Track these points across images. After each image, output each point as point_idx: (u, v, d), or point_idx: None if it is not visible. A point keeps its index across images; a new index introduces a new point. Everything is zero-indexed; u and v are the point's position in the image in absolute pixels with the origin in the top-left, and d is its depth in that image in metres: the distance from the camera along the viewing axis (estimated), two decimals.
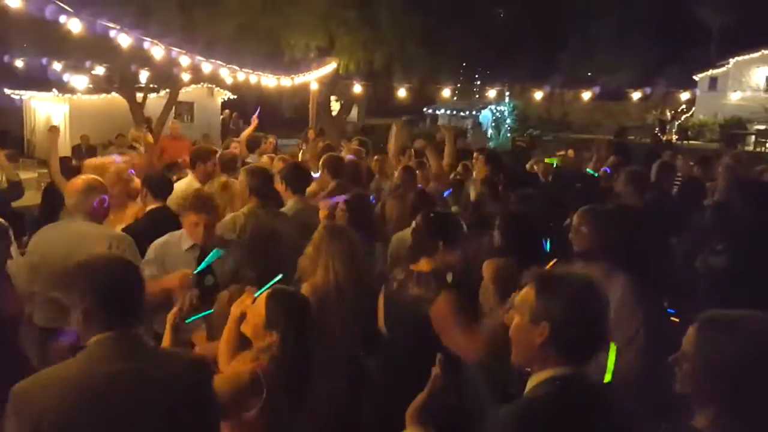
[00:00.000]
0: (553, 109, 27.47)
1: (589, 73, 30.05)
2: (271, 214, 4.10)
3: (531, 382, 1.79)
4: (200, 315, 2.87)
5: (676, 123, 25.43)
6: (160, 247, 3.55)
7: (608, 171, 6.79)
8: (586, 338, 1.75)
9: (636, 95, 18.59)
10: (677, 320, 3.72)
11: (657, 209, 5.71)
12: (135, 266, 2.17)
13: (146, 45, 5.87)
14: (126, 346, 1.93)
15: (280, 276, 2.69)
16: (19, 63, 10.81)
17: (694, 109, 27.80)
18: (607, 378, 1.98)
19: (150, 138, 6.96)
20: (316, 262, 3.12)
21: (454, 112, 26.20)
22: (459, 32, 15.14)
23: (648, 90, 18.77)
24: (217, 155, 5.74)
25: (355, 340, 3.12)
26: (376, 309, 3.05)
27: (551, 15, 24.01)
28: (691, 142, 23.38)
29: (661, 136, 22.04)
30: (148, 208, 4.26)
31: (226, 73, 8.34)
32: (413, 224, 3.16)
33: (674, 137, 23.70)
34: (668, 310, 4.17)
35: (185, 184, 5.27)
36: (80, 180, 3.57)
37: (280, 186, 4.54)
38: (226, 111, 22.60)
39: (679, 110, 26.89)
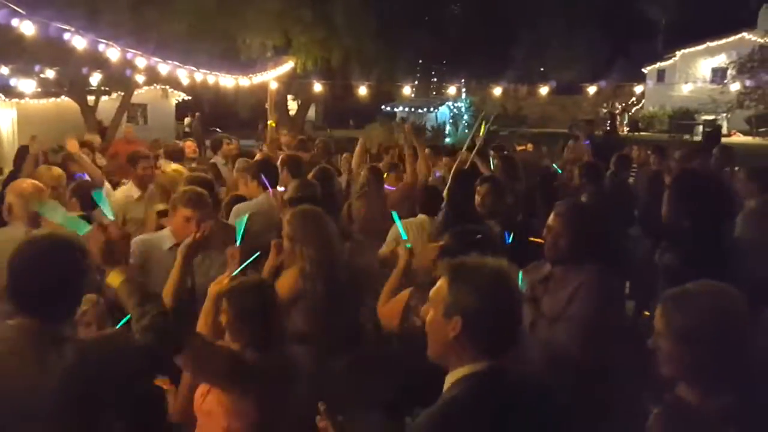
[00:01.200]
0: (509, 105, 27.86)
1: (542, 69, 30.65)
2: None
3: (447, 381, 1.71)
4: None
5: (627, 115, 26.20)
6: (142, 244, 3.39)
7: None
8: (501, 330, 1.69)
9: (589, 89, 19.01)
10: (647, 314, 3.83)
11: (616, 201, 5.89)
12: (67, 250, 1.97)
13: (101, 47, 5.71)
14: (27, 338, 1.85)
15: (258, 254, 2.68)
16: None
17: (643, 101, 28.64)
18: None
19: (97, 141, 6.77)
20: (293, 251, 3.10)
21: (413, 110, 26.28)
22: (415, 30, 15.22)
23: (599, 84, 19.21)
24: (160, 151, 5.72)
25: (341, 329, 3.10)
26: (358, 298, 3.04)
27: (503, 11, 24.32)
28: (641, 133, 24.07)
29: (613, 129, 22.59)
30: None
31: (183, 74, 8.17)
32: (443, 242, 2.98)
33: (625, 129, 24.40)
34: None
35: (123, 193, 5.14)
36: (24, 183, 3.47)
37: (250, 182, 4.54)
38: (188, 118, 22.30)
39: (629, 103, 27.67)
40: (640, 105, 28.65)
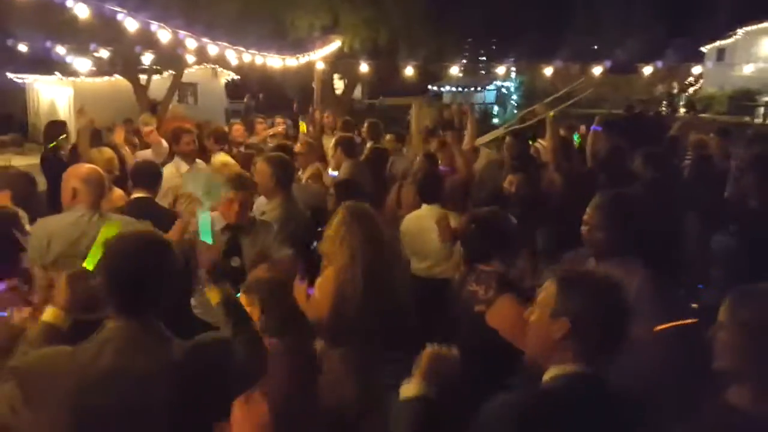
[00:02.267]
0: (560, 84, 27.18)
1: (596, 47, 29.75)
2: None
3: (548, 374, 1.78)
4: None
5: (684, 96, 25.23)
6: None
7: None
8: (605, 338, 1.74)
9: (644, 69, 18.35)
10: (695, 306, 3.69)
11: (668, 187, 5.65)
12: (163, 248, 2.01)
13: (153, 28, 5.80)
14: (137, 341, 1.88)
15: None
16: (22, 47, 10.71)
17: (701, 81, 27.51)
18: None
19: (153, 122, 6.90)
20: (339, 245, 3.08)
21: (460, 89, 25.99)
22: (463, 9, 14.92)
23: (655, 64, 18.52)
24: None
25: (383, 327, 3.09)
26: (402, 296, 3.03)
27: None
28: (700, 115, 23.17)
29: (669, 110, 21.85)
30: (132, 197, 4.24)
31: (232, 55, 8.24)
32: (467, 228, 3.05)
33: (682, 111, 23.53)
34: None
35: (169, 169, 5.28)
36: (84, 167, 3.54)
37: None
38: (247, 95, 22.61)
39: (686, 83, 26.64)
40: (698, 85, 27.54)
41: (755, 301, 1.74)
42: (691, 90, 26.93)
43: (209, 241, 2.82)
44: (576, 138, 7.90)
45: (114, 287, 1.91)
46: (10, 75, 17.63)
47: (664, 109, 22.67)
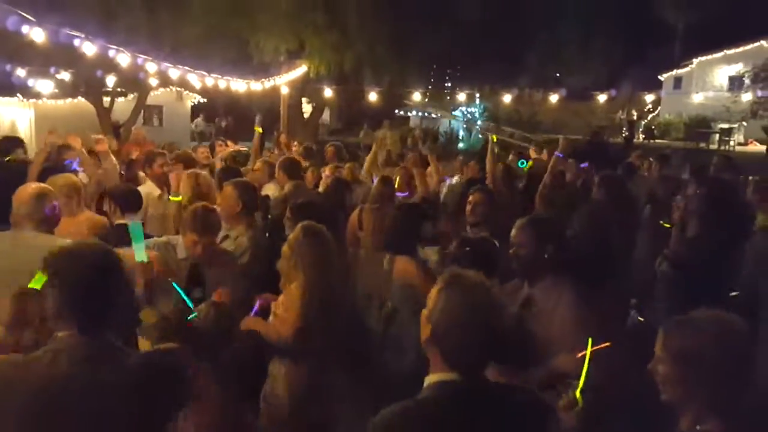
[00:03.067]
0: (523, 110, 27.72)
1: (557, 74, 30.49)
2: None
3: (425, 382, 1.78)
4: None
5: (643, 122, 25.96)
6: (162, 247, 3.51)
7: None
8: (465, 345, 1.71)
9: (603, 96, 18.90)
10: (642, 319, 3.81)
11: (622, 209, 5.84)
12: (117, 261, 2.01)
13: (111, 53, 5.78)
14: (90, 350, 1.87)
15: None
16: None
17: (660, 108, 28.38)
18: (578, 394, 1.96)
19: (113, 144, 6.85)
20: (293, 264, 3.13)
21: (426, 114, 26.33)
22: (427, 35, 15.20)
23: (614, 91, 19.11)
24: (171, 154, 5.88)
25: (334, 347, 3.13)
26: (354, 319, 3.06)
27: (517, 16, 24.26)
28: (657, 141, 23.85)
29: (631, 137, 22.46)
30: (117, 222, 4.18)
31: (194, 78, 8.24)
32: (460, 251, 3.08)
33: (641, 137, 24.21)
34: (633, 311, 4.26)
35: (143, 190, 5.22)
36: (30, 188, 3.47)
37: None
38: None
39: (645, 110, 27.44)
40: (656, 112, 28.40)
41: (686, 331, 1.75)
42: (649, 117, 27.73)
43: (143, 257, 2.79)
44: (521, 164, 8.12)
45: (69, 301, 1.89)
46: None
47: (624, 135, 23.27)
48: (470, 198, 4.35)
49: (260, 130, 7.19)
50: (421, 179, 5.62)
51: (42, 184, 3.59)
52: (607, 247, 3.33)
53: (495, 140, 5.88)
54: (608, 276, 3.22)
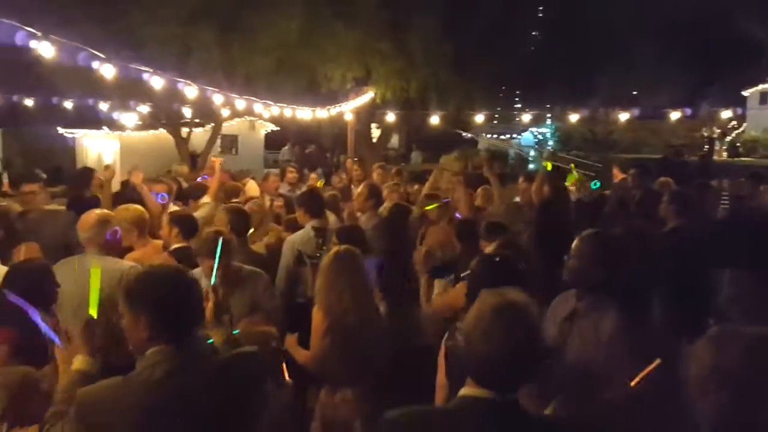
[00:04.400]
0: (597, 129, 27.01)
1: (634, 92, 29.56)
2: None
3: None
4: None
5: (726, 140, 24.75)
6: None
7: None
8: (495, 365, 1.71)
9: (680, 114, 18.12)
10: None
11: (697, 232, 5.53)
12: (194, 279, 2.22)
13: (180, 85, 6.10)
14: (182, 359, 2.03)
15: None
16: (68, 104, 11.35)
17: (745, 125, 26.99)
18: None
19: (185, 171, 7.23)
20: (326, 288, 3.16)
21: (494, 136, 26.12)
22: (493, 57, 15.13)
23: (692, 108, 18.30)
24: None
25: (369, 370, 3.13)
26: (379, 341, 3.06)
27: (588, 34, 23.80)
28: (742, 159, 22.65)
29: (709, 155, 21.42)
30: (173, 246, 4.38)
31: (260, 108, 8.56)
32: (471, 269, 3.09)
33: (724, 154, 23.07)
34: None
35: (202, 213, 5.49)
36: (93, 214, 3.70)
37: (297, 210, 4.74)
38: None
39: (729, 126, 26.16)
40: (741, 129, 26.99)
41: (726, 346, 1.61)
42: (734, 134, 26.41)
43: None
44: (594, 185, 7.93)
45: (156, 317, 2.05)
46: (60, 130, 18.56)
47: (704, 152, 22.23)
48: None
49: (321, 183, 7.56)
50: (468, 200, 5.65)
51: (105, 211, 3.82)
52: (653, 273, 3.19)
53: (549, 168, 5.88)
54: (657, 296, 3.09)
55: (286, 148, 24.57)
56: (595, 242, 2.72)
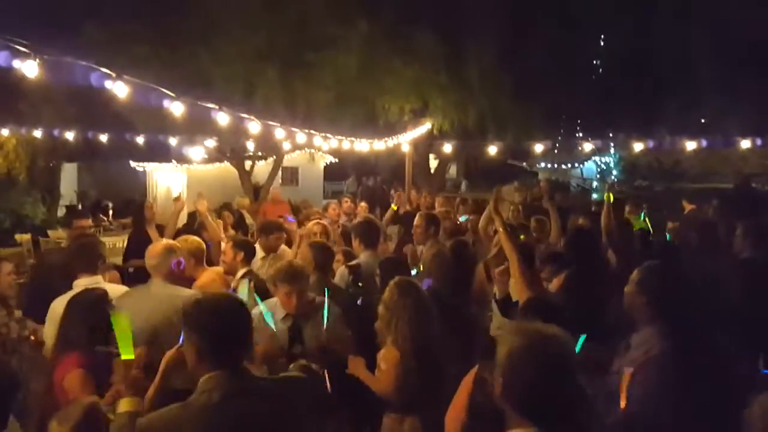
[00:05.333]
0: (663, 158, 26.19)
1: (703, 120, 28.55)
2: None
3: None
4: None
5: None
6: (256, 319, 3.76)
7: None
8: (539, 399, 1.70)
9: (751, 142, 17.39)
10: None
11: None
12: (244, 307, 2.36)
13: (245, 121, 6.34)
14: (237, 383, 2.14)
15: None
16: (140, 139, 11.94)
17: None
18: None
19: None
20: (389, 321, 3.17)
21: (555, 166, 25.71)
22: (552, 86, 14.99)
23: (759, 140, 17.55)
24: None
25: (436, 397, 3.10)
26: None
27: (652, 58, 23.24)
28: None
29: None
30: (241, 272, 4.56)
31: (320, 141, 8.77)
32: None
33: None
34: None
35: None
36: (160, 243, 3.87)
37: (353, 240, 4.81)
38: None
39: None
40: None
41: None
42: None
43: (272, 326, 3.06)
44: (641, 217, 7.72)
45: (206, 342, 2.18)
46: (132, 163, 19.46)
47: None
48: None
49: (395, 207, 7.64)
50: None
51: (171, 241, 3.99)
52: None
53: (611, 200, 5.79)
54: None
55: (350, 180, 24.97)
56: (645, 273, 2.68)
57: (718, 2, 23.66)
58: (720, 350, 2.86)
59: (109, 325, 3.33)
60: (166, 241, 4.10)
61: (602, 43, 23.68)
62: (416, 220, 6.16)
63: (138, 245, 5.23)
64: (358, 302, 4.14)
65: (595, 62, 22.61)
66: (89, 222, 6.17)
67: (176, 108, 4.96)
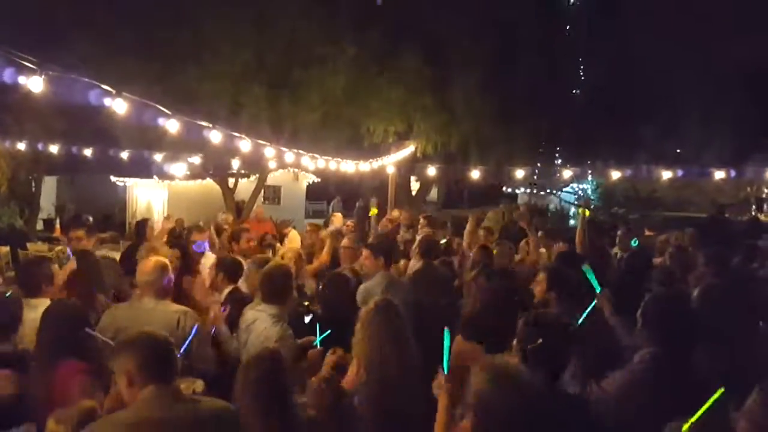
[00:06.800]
0: (640, 186, 26.69)
1: (678, 150, 29.19)
2: None
3: None
4: None
5: None
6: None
7: None
8: None
9: (726, 173, 17.84)
10: None
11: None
12: (167, 338, 2.59)
13: (234, 139, 6.41)
14: (166, 398, 2.36)
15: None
16: (124, 155, 11.91)
17: None
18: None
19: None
20: (359, 340, 3.20)
21: (534, 191, 26.06)
22: (534, 113, 15.32)
23: (737, 169, 18.02)
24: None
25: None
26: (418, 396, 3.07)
27: (631, 88, 23.82)
28: None
29: (759, 214, 20.97)
30: (226, 290, 4.58)
31: (307, 161, 8.86)
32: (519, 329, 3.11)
33: None
34: None
35: None
36: (153, 260, 3.90)
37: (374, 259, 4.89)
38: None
39: None
40: None
41: None
42: None
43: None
44: (634, 242, 7.90)
45: (145, 362, 2.41)
46: (113, 178, 19.33)
47: (753, 213, 21.77)
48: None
49: (375, 210, 7.72)
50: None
51: (163, 258, 4.02)
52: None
53: (587, 215, 6.02)
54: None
55: (336, 201, 24.95)
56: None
57: (695, 35, 24.43)
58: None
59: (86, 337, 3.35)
60: (157, 258, 4.12)
61: (581, 73, 24.25)
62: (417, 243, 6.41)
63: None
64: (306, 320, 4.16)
65: (574, 91, 23.10)
66: (83, 232, 6.13)
67: (171, 125, 5.02)
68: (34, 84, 3.45)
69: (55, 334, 3.16)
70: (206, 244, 6.42)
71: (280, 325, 3.74)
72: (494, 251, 6.01)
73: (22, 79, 3.43)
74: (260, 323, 3.77)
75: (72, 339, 3.13)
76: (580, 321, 3.36)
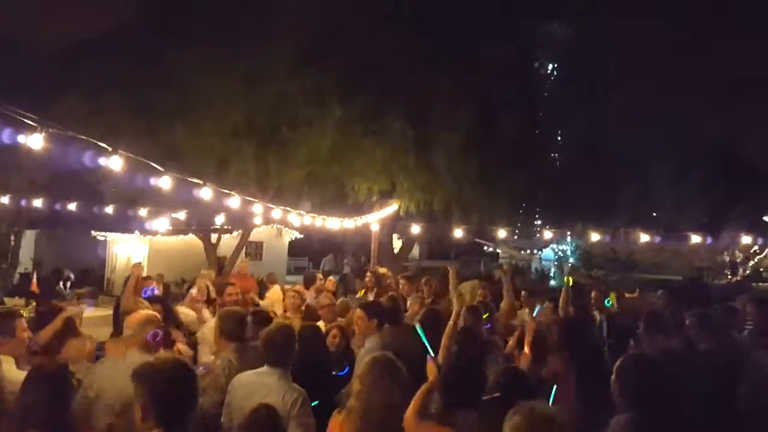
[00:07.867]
0: (619, 248, 27.06)
1: (654, 214, 29.81)
2: None
3: None
4: None
5: (750, 264, 24.65)
6: None
7: None
8: None
9: (702, 238, 18.24)
10: None
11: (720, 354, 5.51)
12: (190, 371, 2.51)
13: (225, 197, 6.49)
14: None
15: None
16: (108, 210, 11.86)
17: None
18: None
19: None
20: (355, 394, 3.22)
21: (515, 250, 26.31)
22: (515, 174, 15.67)
23: (713, 234, 18.45)
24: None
25: None
26: None
27: (609, 153, 24.52)
28: (764, 284, 22.43)
29: (733, 278, 21.32)
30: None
31: (294, 218, 8.94)
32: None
33: (746, 279, 22.95)
34: None
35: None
36: (140, 313, 3.88)
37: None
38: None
39: (751, 251, 26.10)
40: (764, 254, 26.93)
41: None
42: (756, 258, 26.32)
43: None
44: (607, 302, 8.02)
45: (157, 404, 2.34)
46: (93, 233, 19.16)
47: (728, 277, 22.14)
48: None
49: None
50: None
51: (150, 312, 4.00)
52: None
53: (571, 284, 6.16)
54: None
55: (328, 258, 24.86)
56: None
57: (671, 101, 25.38)
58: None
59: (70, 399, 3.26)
60: (144, 311, 4.11)
61: (559, 138, 24.92)
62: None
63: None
64: None
65: (552, 154, 23.67)
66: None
67: (164, 182, 5.09)
68: (34, 141, 3.50)
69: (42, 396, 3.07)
70: (155, 289, 6.63)
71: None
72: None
73: (21, 138, 3.49)
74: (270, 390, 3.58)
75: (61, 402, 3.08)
76: None
